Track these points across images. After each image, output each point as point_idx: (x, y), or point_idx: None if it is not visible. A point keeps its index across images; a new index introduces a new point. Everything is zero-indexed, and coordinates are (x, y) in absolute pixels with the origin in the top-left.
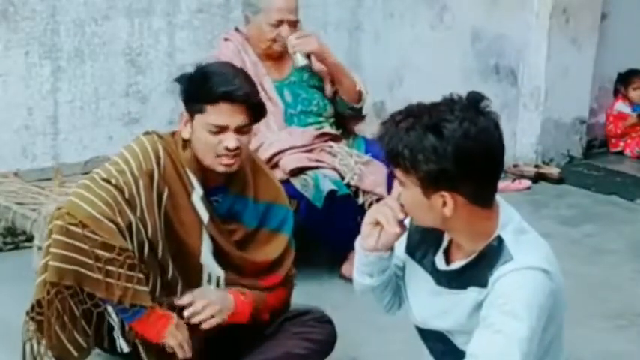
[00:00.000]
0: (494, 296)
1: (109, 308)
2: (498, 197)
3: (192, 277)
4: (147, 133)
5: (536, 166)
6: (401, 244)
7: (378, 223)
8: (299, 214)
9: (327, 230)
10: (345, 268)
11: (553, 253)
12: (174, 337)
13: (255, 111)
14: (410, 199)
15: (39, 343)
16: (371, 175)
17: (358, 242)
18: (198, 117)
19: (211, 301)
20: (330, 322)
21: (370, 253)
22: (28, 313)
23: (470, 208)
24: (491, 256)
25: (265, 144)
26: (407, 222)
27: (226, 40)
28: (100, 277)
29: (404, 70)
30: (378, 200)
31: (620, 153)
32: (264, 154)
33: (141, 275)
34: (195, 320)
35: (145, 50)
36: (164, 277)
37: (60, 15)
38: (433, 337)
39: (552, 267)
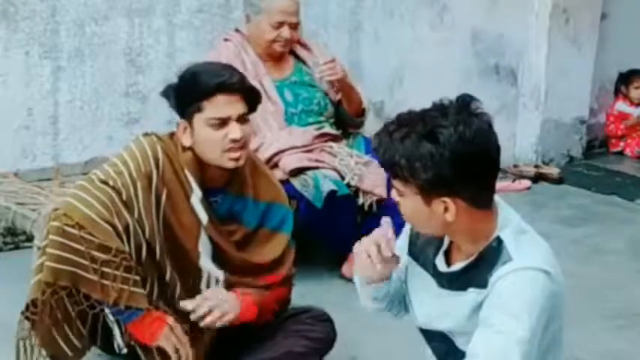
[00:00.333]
0: (494, 297)
1: (106, 309)
2: (497, 198)
3: (191, 279)
4: (146, 135)
5: (536, 166)
6: (404, 248)
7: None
8: (299, 214)
9: (327, 230)
10: (345, 268)
11: (553, 253)
12: (168, 341)
13: (251, 98)
14: (410, 208)
15: (33, 343)
16: (371, 175)
17: (355, 274)
18: (197, 117)
19: (218, 304)
20: (329, 320)
21: (368, 286)
22: (22, 312)
23: (470, 211)
24: (490, 257)
25: (265, 144)
26: (408, 226)
27: (226, 40)
28: (96, 278)
29: (404, 70)
30: (378, 200)
31: (620, 153)
32: (264, 154)
33: (137, 277)
34: (203, 324)
35: (145, 50)
36: (162, 279)
37: (60, 15)
38: (436, 338)
39: (553, 268)
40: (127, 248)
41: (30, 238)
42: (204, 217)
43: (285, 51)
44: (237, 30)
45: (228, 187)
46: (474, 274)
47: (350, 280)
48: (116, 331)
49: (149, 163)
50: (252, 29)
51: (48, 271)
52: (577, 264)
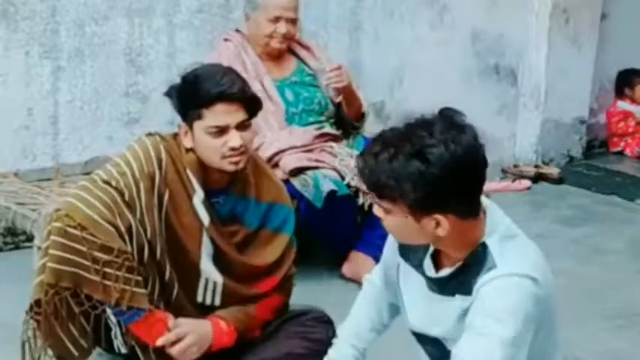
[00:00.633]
0: (478, 303)
1: (108, 309)
2: (488, 201)
3: (189, 280)
4: (149, 134)
5: (536, 166)
6: (394, 247)
7: None
8: (299, 214)
9: (327, 230)
10: (345, 268)
11: (552, 254)
12: (169, 341)
13: (251, 105)
14: (398, 225)
15: (38, 343)
16: None
17: None
18: (197, 124)
19: (187, 336)
20: (329, 321)
21: None
22: (27, 313)
23: (461, 223)
24: (475, 263)
25: (265, 143)
26: None
27: (226, 40)
28: (98, 279)
29: (404, 70)
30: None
31: (620, 153)
32: (264, 154)
33: (139, 278)
34: (176, 355)
35: (145, 50)
36: (162, 279)
37: (60, 15)
38: (429, 342)
39: (540, 274)
40: (129, 249)
41: (30, 238)
42: (205, 218)
43: (282, 48)
44: (237, 30)
45: (231, 188)
46: (460, 281)
47: (350, 280)
48: (117, 332)
49: (152, 163)
50: (251, 27)
51: (50, 273)
52: (577, 264)
